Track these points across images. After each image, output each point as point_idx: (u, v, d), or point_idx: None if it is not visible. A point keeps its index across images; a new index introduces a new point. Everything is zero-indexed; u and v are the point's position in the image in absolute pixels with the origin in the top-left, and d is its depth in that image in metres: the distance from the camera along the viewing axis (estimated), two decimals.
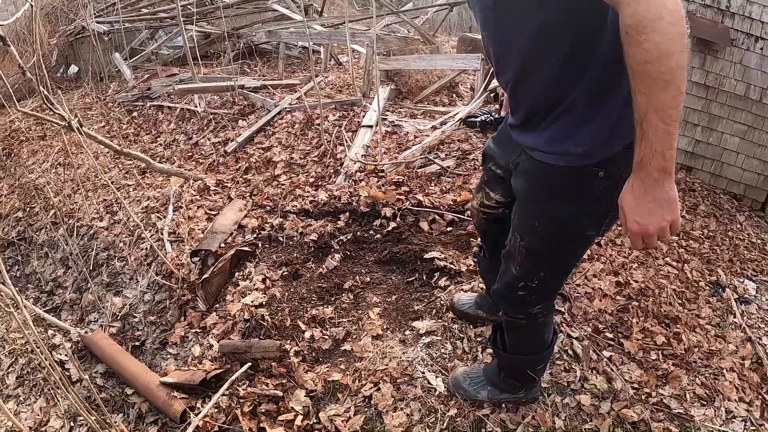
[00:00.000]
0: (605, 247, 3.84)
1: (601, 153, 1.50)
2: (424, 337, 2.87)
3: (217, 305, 3.47)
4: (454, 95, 7.45)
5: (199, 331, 3.34)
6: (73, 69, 10.73)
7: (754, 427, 2.68)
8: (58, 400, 3.18)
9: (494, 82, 5.90)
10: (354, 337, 2.95)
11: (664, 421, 2.60)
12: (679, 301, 3.51)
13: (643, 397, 2.71)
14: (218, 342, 3.10)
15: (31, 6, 3.45)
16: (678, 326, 3.22)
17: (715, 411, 2.71)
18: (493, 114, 2.94)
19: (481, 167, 2.78)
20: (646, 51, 1.26)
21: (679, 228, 1.48)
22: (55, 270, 4.65)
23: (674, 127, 1.34)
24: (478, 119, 2.81)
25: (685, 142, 5.43)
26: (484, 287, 2.85)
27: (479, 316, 2.89)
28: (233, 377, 2.79)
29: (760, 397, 2.90)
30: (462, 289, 3.17)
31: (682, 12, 1.24)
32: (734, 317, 3.53)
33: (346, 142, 5.11)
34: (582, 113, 1.57)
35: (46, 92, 3.90)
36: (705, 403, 2.75)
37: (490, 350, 2.74)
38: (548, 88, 1.62)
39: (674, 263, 3.93)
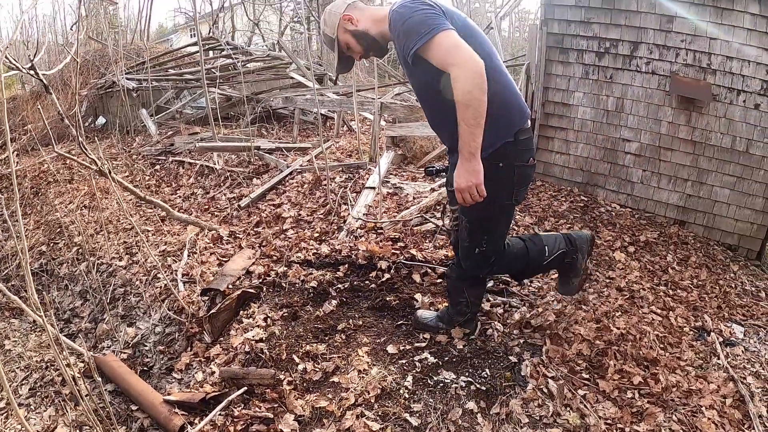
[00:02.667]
0: (587, 296, 4.06)
1: (490, 150, 2.63)
2: (407, 375, 3.20)
3: (222, 339, 3.83)
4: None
5: (203, 360, 3.68)
6: (101, 120, 11.32)
7: None
8: (67, 411, 3.50)
9: None
10: (342, 371, 3.27)
11: None
12: (661, 346, 3.60)
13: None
14: (219, 369, 3.44)
15: (76, 61, 3.95)
16: (657, 368, 3.32)
17: None
18: (444, 165, 3.60)
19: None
20: (455, 91, 2.38)
21: (484, 192, 2.55)
22: (74, 301, 5.04)
23: (474, 129, 2.41)
24: (434, 168, 3.50)
25: (676, 197, 5.59)
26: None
27: (439, 327, 3.51)
28: (230, 398, 3.12)
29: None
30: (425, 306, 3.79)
31: (475, 71, 2.35)
32: (718, 359, 3.58)
33: (350, 201, 5.56)
34: None
35: (81, 139, 4.38)
36: None
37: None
38: (450, 134, 2.64)
39: (659, 311, 4.03)
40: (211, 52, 12.72)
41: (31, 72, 3.48)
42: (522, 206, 5.56)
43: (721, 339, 3.83)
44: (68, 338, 4.52)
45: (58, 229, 6.02)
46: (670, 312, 4.05)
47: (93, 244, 5.53)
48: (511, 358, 3.28)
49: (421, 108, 2.95)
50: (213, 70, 11.02)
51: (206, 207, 6.30)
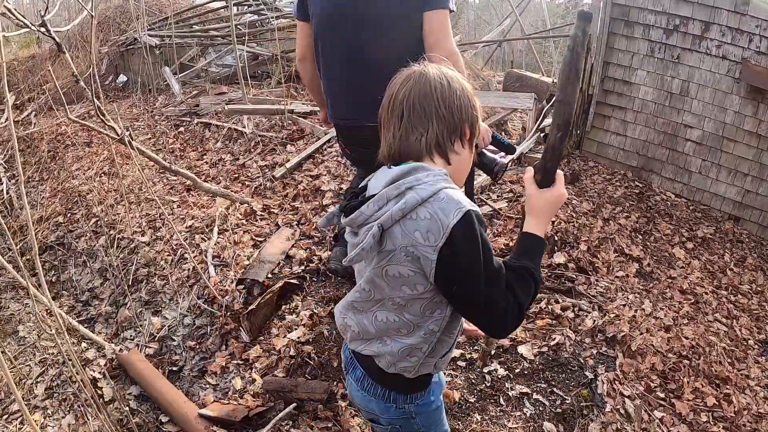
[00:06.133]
0: (652, 297, 3.82)
1: None
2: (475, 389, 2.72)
3: (261, 338, 3.33)
4: (503, 134, 7.33)
5: (241, 362, 3.19)
6: (122, 78, 10.85)
7: None
8: (88, 419, 3.04)
9: (546, 122, 5.79)
10: None
11: None
12: (729, 360, 3.46)
13: None
14: (262, 377, 2.95)
15: (91, 16, 3.41)
16: (728, 387, 3.19)
17: None
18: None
19: None
20: None
21: None
22: (92, 280, 4.55)
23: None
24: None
25: (734, 191, 5.29)
26: None
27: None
28: (277, 417, 2.64)
29: None
30: None
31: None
32: None
33: None
34: None
35: (98, 103, 3.85)
36: None
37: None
38: None
39: (723, 319, 3.87)
40: (236, 8, 12.09)
41: (42, 29, 3.02)
42: (577, 189, 5.19)
43: None
44: (86, 324, 4.06)
45: (76, 198, 5.53)
46: (734, 321, 3.90)
47: (113, 216, 5.03)
48: (586, 373, 2.97)
49: None
50: (240, 26, 10.46)
51: (236, 175, 5.74)
